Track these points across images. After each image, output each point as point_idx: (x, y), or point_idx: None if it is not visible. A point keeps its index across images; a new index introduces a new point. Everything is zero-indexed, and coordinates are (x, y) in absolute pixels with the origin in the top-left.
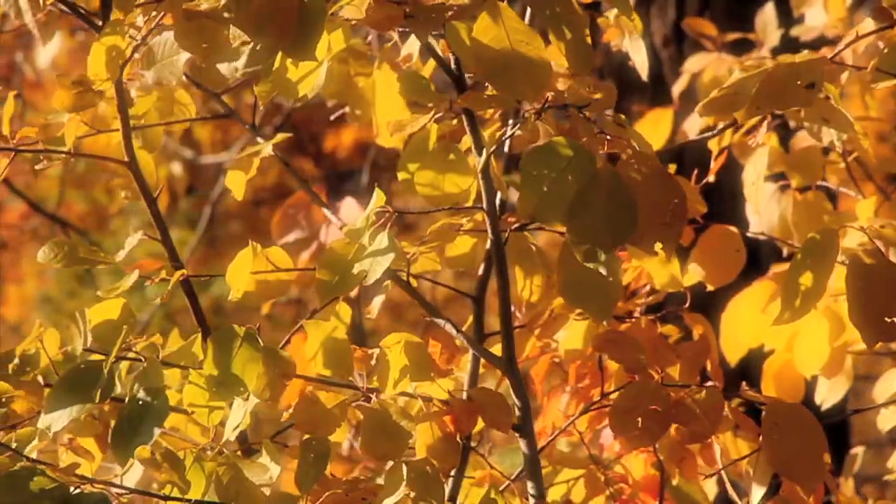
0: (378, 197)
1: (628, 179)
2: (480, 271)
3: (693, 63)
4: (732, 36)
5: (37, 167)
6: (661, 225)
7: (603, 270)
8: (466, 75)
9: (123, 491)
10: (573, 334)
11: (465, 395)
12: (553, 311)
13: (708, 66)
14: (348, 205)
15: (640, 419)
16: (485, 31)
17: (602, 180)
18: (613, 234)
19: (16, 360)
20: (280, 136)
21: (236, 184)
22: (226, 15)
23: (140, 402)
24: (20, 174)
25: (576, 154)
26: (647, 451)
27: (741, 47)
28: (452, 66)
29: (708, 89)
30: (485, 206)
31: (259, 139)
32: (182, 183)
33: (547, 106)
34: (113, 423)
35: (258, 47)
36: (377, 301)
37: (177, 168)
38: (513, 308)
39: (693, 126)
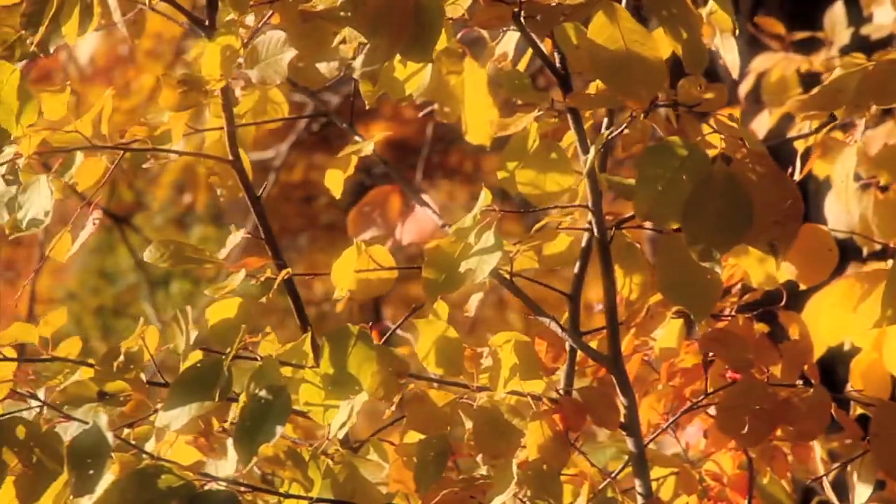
0: (485, 196)
1: (742, 179)
2: (576, 269)
3: (759, 63)
4: (800, 35)
5: (143, 166)
6: (775, 224)
7: (718, 269)
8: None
9: (246, 489)
10: (667, 333)
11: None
12: (650, 310)
13: (775, 65)
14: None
15: (747, 418)
16: (600, 30)
17: (716, 180)
18: (729, 234)
19: (121, 358)
20: (380, 135)
21: (335, 182)
22: (342, 15)
23: (261, 401)
24: None
25: (690, 154)
26: (733, 450)
27: (806, 47)
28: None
29: (774, 89)
30: (590, 205)
31: (357, 138)
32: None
33: (657, 105)
34: (215, 422)
35: (375, 48)
36: (475, 298)
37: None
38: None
39: (761, 126)
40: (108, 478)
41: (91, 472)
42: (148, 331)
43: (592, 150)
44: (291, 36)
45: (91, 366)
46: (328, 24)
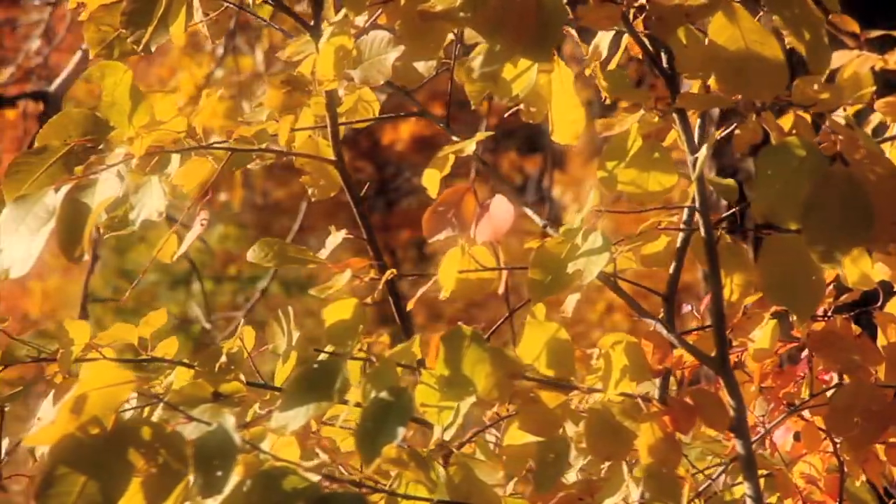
0: (594, 196)
1: (862, 179)
2: (671, 270)
3: (834, 59)
4: (875, 33)
5: (248, 166)
6: (894, 225)
7: (840, 270)
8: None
9: (368, 490)
10: (763, 334)
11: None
12: (747, 310)
13: (849, 63)
14: (499, 202)
15: (857, 419)
16: (720, 31)
17: (835, 181)
18: (850, 235)
19: (223, 359)
20: (480, 135)
21: (432, 182)
22: (461, 15)
23: (382, 402)
24: None
25: (808, 154)
26: (823, 452)
27: (882, 45)
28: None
29: (849, 86)
30: (697, 205)
31: (455, 137)
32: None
33: (769, 105)
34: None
35: (495, 48)
36: (573, 299)
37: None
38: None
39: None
40: (233, 479)
41: (218, 473)
42: (245, 331)
43: (703, 150)
44: (406, 36)
45: (191, 366)
46: (445, 25)
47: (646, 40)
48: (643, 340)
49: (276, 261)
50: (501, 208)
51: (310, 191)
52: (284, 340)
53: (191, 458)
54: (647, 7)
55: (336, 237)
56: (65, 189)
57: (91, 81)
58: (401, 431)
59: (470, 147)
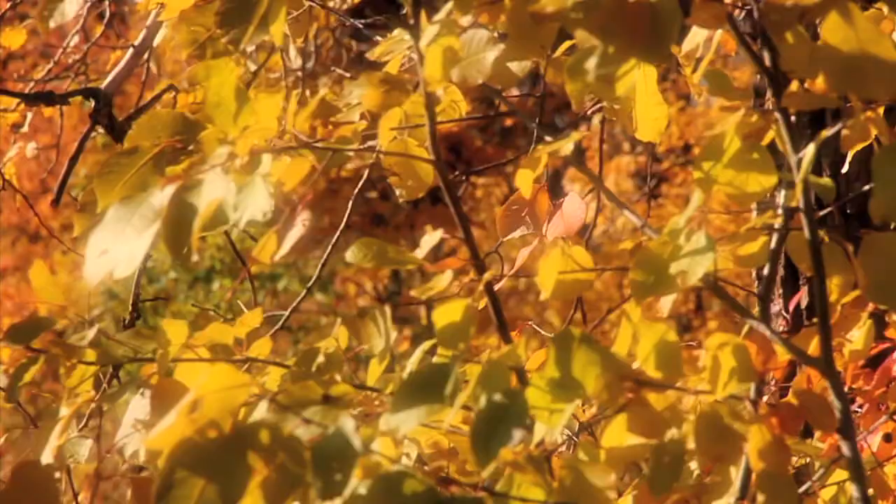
0: (698, 197)
1: None
2: (766, 271)
3: None
4: None
5: (342, 165)
6: None
7: None
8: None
9: (483, 493)
10: (859, 335)
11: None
12: (844, 310)
13: None
14: (572, 201)
15: None
16: (834, 30)
17: None
18: None
19: (320, 359)
20: (576, 135)
21: (525, 182)
22: (573, 16)
23: (496, 405)
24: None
25: None
26: None
27: None
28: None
29: None
30: (802, 206)
31: (547, 137)
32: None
33: (878, 104)
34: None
35: (609, 50)
36: (668, 300)
37: None
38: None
39: None
40: (352, 482)
41: (338, 476)
42: (341, 331)
43: (810, 150)
44: (517, 35)
45: (286, 367)
46: (554, 26)
47: (747, 39)
48: (746, 342)
49: (375, 261)
50: (574, 207)
51: (397, 191)
52: (381, 341)
53: (309, 460)
54: (760, 6)
55: (433, 237)
56: (170, 189)
57: (195, 82)
58: (517, 434)
59: (567, 147)
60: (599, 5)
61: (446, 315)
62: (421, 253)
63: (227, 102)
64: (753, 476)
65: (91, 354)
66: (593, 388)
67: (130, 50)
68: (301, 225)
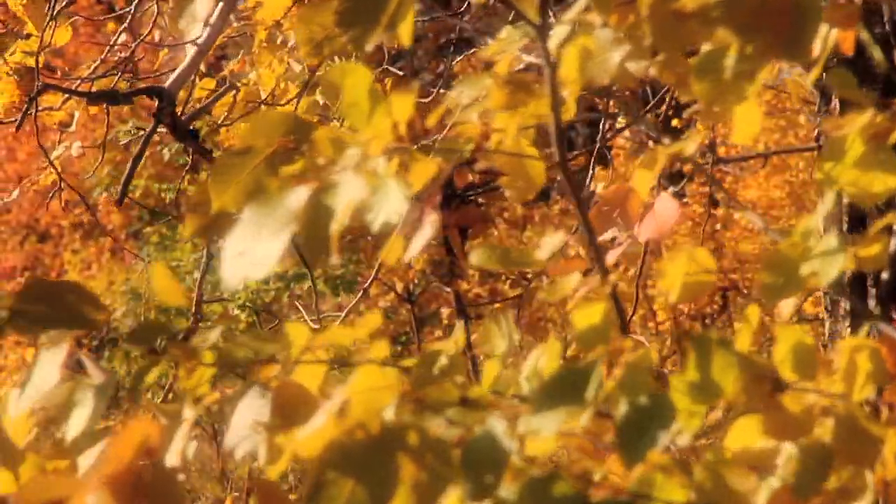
0: (831, 198)
1: None
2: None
3: None
4: None
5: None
6: None
7: None
8: None
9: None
10: None
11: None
12: None
13: None
14: (664, 201)
15: None
16: None
17: None
18: None
19: (442, 362)
20: (698, 136)
21: (643, 183)
22: (714, 15)
23: (641, 407)
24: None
25: None
26: None
27: None
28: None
29: None
30: None
31: (665, 140)
32: None
33: None
34: None
35: (749, 49)
36: (789, 303)
37: None
38: None
39: None
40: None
41: (489, 478)
42: (459, 332)
43: None
44: (658, 34)
45: (406, 369)
46: (695, 25)
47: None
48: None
49: (499, 264)
50: (666, 207)
51: (507, 192)
52: (504, 342)
53: (458, 462)
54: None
55: (554, 238)
56: (305, 191)
57: (330, 83)
58: (664, 436)
59: (690, 148)
60: (743, 4)
61: (586, 317)
62: (542, 255)
63: (362, 103)
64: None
65: (209, 356)
66: (732, 391)
67: (193, 49)
68: (429, 227)
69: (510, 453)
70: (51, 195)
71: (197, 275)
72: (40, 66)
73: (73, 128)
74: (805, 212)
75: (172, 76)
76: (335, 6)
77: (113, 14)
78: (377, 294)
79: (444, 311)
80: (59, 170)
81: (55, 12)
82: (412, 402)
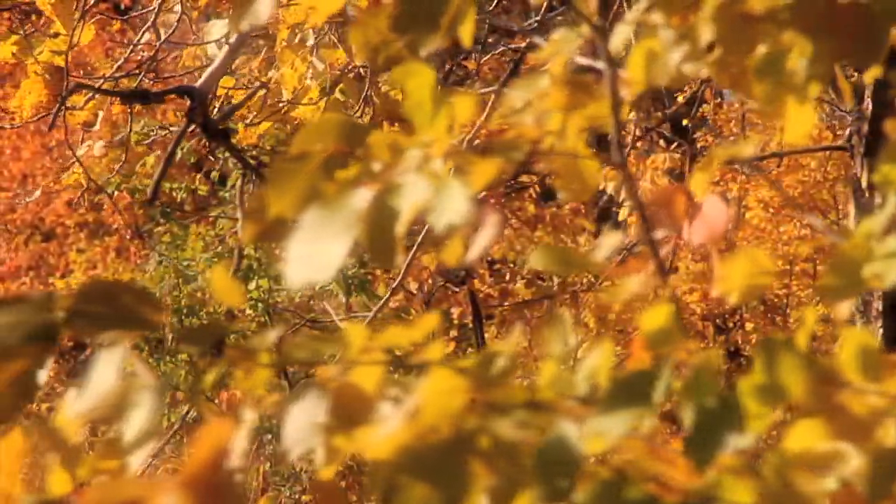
0: (893, 203)
1: None
2: None
3: None
4: None
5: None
6: None
7: None
8: None
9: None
10: None
11: None
12: None
13: None
14: (713, 203)
15: None
16: None
17: None
18: None
19: (501, 363)
20: (756, 138)
21: (700, 186)
22: (783, 17)
23: (708, 410)
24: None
25: None
26: None
27: None
28: None
29: None
30: None
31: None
32: None
33: None
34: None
35: (819, 53)
36: (847, 305)
37: None
38: None
39: None
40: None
41: (562, 483)
42: (517, 334)
43: None
44: (720, 37)
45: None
46: (764, 27)
47: None
48: None
49: (560, 266)
50: (716, 209)
51: (561, 193)
52: (561, 343)
53: (531, 465)
54: None
55: (611, 239)
56: (368, 193)
57: (395, 84)
58: (733, 439)
59: (748, 150)
60: (814, 6)
61: (653, 319)
62: (601, 255)
63: (425, 105)
64: None
65: (266, 357)
66: (798, 393)
67: (225, 48)
68: (492, 228)
69: (584, 457)
70: (80, 194)
71: (209, 274)
72: (64, 65)
73: (97, 127)
74: (818, 212)
75: (204, 75)
76: (391, 11)
77: (133, 13)
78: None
79: (455, 311)
80: (83, 170)
81: (84, 11)
82: (480, 404)
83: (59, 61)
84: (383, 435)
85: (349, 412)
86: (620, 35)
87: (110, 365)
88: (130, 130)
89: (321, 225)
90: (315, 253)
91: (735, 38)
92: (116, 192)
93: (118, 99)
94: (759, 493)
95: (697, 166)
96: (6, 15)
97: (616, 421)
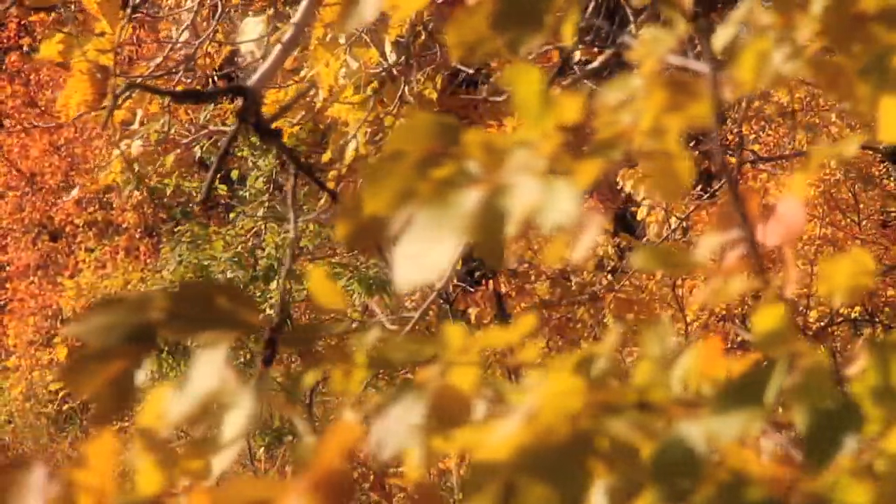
0: None
1: None
2: None
3: None
4: None
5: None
6: None
7: None
8: None
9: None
10: None
11: None
12: None
13: None
14: (788, 203)
15: None
16: None
17: None
18: None
19: (601, 365)
20: (859, 137)
21: (800, 187)
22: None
23: (826, 412)
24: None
25: None
26: None
27: None
28: None
29: None
30: None
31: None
32: None
33: None
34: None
35: None
36: None
37: None
38: None
39: None
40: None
41: (683, 484)
42: (614, 335)
43: None
44: (831, 37)
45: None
46: (875, 28)
47: None
48: None
49: (661, 264)
50: (792, 210)
51: (654, 192)
52: (660, 345)
53: (650, 467)
54: None
55: (711, 239)
56: (476, 194)
57: (506, 84)
58: (852, 441)
59: (850, 149)
60: None
61: (766, 321)
62: (701, 254)
63: (532, 105)
64: None
65: (363, 358)
66: None
67: (278, 46)
68: (595, 228)
69: (706, 458)
70: (127, 191)
71: (230, 273)
72: (112, 64)
73: (135, 125)
74: (838, 211)
75: (256, 74)
76: (488, 9)
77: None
78: (403, 293)
79: (472, 311)
80: (119, 169)
81: (131, 9)
82: (591, 405)
83: (104, 60)
84: (502, 435)
85: (448, 413)
86: (725, 35)
87: (209, 366)
88: (169, 129)
89: (431, 226)
90: (424, 253)
91: (844, 38)
92: (136, 192)
93: (161, 98)
94: (876, 494)
95: (799, 167)
96: (52, 15)
97: (729, 423)
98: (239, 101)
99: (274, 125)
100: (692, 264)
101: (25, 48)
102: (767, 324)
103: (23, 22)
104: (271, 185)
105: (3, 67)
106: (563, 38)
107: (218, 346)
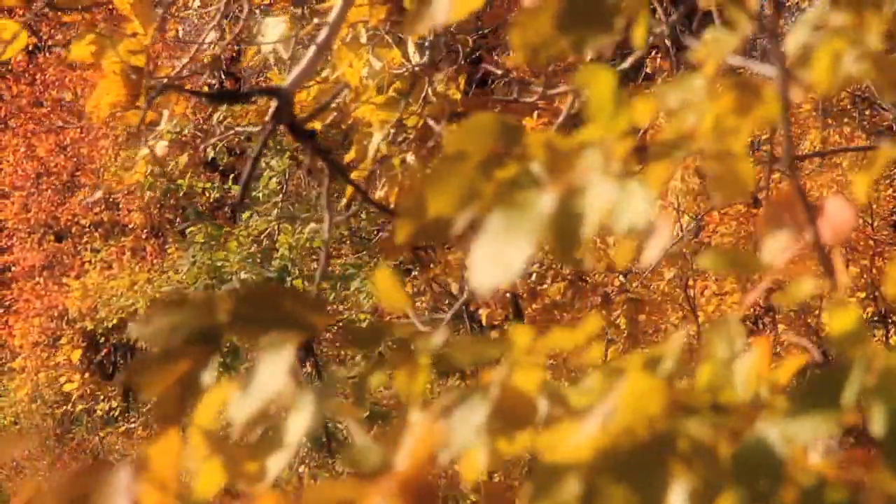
0: None
1: None
2: None
3: None
4: None
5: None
6: None
7: None
8: None
9: None
10: None
11: None
12: None
13: None
14: (836, 203)
15: None
16: None
17: None
18: None
19: (668, 365)
20: None
21: (863, 186)
22: None
23: None
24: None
25: None
26: None
27: None
28: None
29: None
30: None
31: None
32: None
33: None
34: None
35: None
36: None
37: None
38: None
39: None
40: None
41: (765, 486)
42: (680, 336)
43: None
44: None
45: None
46: None
47: None
48: None
49: (728, 266)
50: (840, 209)
51: (714, 194)
52: (727, 347)
53: (731, 469)
54: None
55: (777, 241)
56: (552, 196)
57: (578, 85)
58: None
59: None
60: None
61: (840, 322)
62: (767, 257)
63: (605, 105)
64: None
65: (427, 359)
66: None
67: (313, 48)
68: (665, 231)
69: (787, 460)
70: (165, 193)
71: (244, 274)
72: (144, 65)
73: (162, 126)
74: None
75: (290, 76)
76: (553, 11)
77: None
78: (416, 293)
79: (483, 312)
80: (145, 169)
81: (166, 10)
82: (668, 406)
83: (136, 61)
84: (581, 436)
85: (513, 415)
86: (798, 37)
87: (275, 367)
88: (181, 130)
89: (505, 227)
90: (500, 254)
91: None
92: (149, 192)
93: (191, 98)
94: None
95: (862, 167)
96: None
97: (807, 425)
98: (272, 103)
99: (307, 126)
100: (761, 266)
101: (30, 48)
102: (843, 324)
103: (28, 22)
104: (284, 186)
105: (10, 67)
106: (635, 43)
107: (283, 349)
